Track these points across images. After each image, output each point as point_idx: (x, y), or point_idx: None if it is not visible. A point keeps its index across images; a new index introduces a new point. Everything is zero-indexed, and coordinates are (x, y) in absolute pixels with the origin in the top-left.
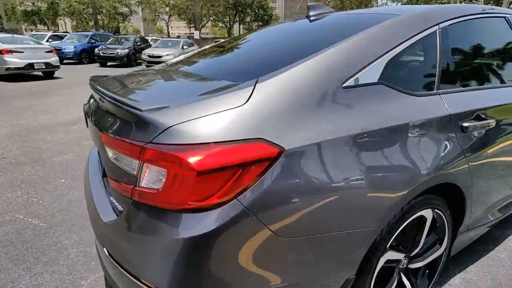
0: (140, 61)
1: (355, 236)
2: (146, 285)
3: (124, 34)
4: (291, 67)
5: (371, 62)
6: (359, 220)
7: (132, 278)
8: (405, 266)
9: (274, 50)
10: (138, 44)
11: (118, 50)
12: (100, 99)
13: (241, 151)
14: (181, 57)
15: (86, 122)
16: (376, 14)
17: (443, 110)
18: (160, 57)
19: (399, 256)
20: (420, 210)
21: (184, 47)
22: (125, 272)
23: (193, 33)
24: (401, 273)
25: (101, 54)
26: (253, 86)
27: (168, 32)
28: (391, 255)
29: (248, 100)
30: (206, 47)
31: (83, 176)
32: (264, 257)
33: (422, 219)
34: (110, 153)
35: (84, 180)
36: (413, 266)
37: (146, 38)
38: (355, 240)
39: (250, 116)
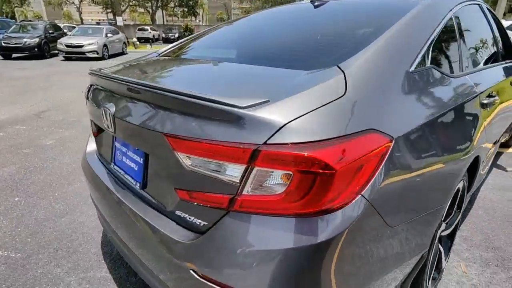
0: (57, 51)
1: (436, 213)
2: None
3: (30, 20)
4: (364, 53)
5: (423, 46)
6: (441, 197)
7: None
8: (440, 234)
9: (317, 34)
10: (50, 32)
11: (26, 40)
12: (158, 95)
13: (361, 144)
14: (180, 45)
15: (96, 126)
16: None
17: (474, 90)
18: (81, 46)
19: (443, 226)
20: (460, 181)
21: (108, 35)
22: None
23: (112, 20)
24: (439, 242)
25: (3, 44)
26: (342, 75)
27: (81, 19)
28: (442, 226)
29: (346, 89)
30: (204, 32)
31: (39, 190)
32: (380, 248)
33: (458, 190)
34: (188, 161)
35: (99, 198)
36: (444, 233)
37: (59, 25)
38: (436, 216)
39: (355, 106)
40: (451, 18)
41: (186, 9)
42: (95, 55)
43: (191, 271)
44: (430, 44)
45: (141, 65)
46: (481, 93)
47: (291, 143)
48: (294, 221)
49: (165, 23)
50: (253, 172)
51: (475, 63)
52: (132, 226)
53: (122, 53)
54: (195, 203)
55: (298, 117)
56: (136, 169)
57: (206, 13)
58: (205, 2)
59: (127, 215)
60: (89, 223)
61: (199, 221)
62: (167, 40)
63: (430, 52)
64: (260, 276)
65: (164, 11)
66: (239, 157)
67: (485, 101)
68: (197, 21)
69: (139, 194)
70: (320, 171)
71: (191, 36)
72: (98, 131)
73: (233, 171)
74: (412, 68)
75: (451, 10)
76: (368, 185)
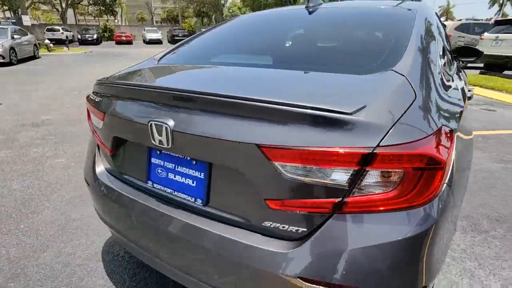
0: None
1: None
2: None
3: None
4: (407, 58)
5: (438, 49)
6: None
7: None
8: None
9: (342, 39)
10: None
11: None
12: (248, 105)
13: (445, 138)
14: (186, 50)
15: (115, 143)
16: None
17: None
18: None
19: None
20: None
21: (15, 36)
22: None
23: (10, 18)
24: None
25: None
26: (404, 78)
27: None
28: None
29: (414, 92)
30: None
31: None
32: (450, 223)
33: None
34: (286, 170)
35: (128, 221)
36: None
37: None
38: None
39: (427, 106)
40: (436, 25)
41: (102, 8)
42: (0, 60)
43: (298, 279)
44: (438, 47)
45: (177, 73)
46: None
47: (402, 144)
48: (406, 214)
49: (77, 23)
50: (365, 174)
51: (449, 60)
52: (195, 247)
53: (34, 57)
54: (290, 212)
55: (398, 120)
56: (194, 185)
57: (125, 12)
58: (123, 1)
59: (185, 236)
60: (81, 253)
61: (295, 228)
62: (84, 42)
63: (440, 54)
64: (388, 262)
65: (75, 9)
66: (349, 161)
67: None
68: (116, 21)
69: (200, 212)
70: (431, 166)
71: (189, 40)
72: (117, 148)
73: (340, 175)
74: (439, 69)
75: (432, 16)
76: (449, 173)
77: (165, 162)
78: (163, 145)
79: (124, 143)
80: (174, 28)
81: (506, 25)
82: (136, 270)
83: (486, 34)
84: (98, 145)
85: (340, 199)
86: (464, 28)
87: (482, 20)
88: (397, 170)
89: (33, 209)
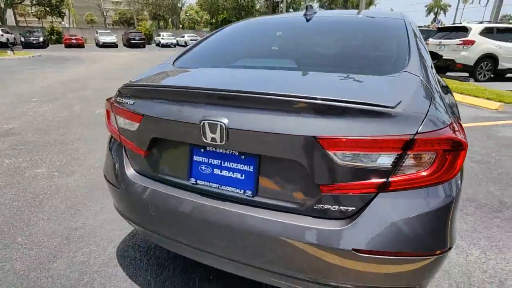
0: None
1: None
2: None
3: None
4: (413, 61)
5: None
6: None
7: (404, 257)
8: None
9: (353, 45)
10: None
11: None
12: (305, 103)
13: (458, 127)
14: (202, 54)
15: (149, 144)
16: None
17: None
18: None
19: None
20: None
21: None
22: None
23: None
24: None
25: None
26: (419, 78)
27: None
28: None
29: (431, 91)
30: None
31: None
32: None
33: None
34: (339, 157)
35: (170, 219)
36: None
37: None
38: None
39: (442, 100)
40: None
41: (47, 9)
42: None
43: (352, 251)
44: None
45: (212, 76)
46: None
47: (434, 131)
48: (437, 188)
49: (17, 24)
50: (406, 157)
51: None
52: (248, 234)
53: None
54: (339, 194)
55: (427, 112)
56: (243, 177)
57: (73, 14)
58: (70, 2)
59: (237, 225)
60: (95, 260)
61: (345, 208)
62: (29, 45)
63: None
64: (424, 228)
65: (14, 9)
66: (393, 147)
67: None
68: (63, 23)
69: (250, 202)
70: (456, 148)
71: (197, 44)
72: (152, 149)
73: (386, 159)
74: (434, 70)
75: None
76: None
77: (210, 159)
78: (215, 142)
79: (161, 143)
80: (130, 31)
81: (446, 32)
82: (159, 271)
83: (430, 40)
84: (124, 147)
85: (385, 179)
86: None
87: (422, 26)
88: (431, 152)
89: (26, 222)
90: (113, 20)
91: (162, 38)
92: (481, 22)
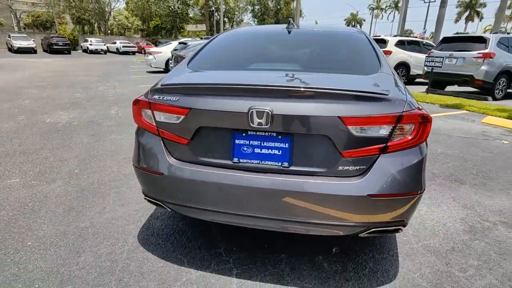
0: None
1: None
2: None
3: None
4: (383, 64)
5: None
6: None
7: (405, 196)
8: None
9: (322, 53)
10: None
11: None
12: (329, 93)
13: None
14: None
15: (192, 133)
16: (350, 32)
17: None
18: None
19: None
20: None
21: None
22: (398, 196)
23: None
24: None
25: None
26: (393, 77)
27: None
28: None
29: (404, 85)
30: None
31: None
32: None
33: None
34: (355, 130)
35: (223, 194)
36: None
37: None
38: None
39: (409, 92)
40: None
41: None
42: None
43: (367, 196)
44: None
45: (247, 75)
46: None
47: (413, 109)
48: (419, 147)
49: None
50: (397, 128)
51: None
52: (288, 195)
53: None
54: (355, 157)
55: (406, 98)
56: (280, 153)
57: None
58: None
59: (279, 189)
60: (121, 250)
61: (358, 167)
62: None
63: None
64: (409, 176)
65: None
66: (389, 121)
67: None
68: None
69: (287, 171)
70: (426, 121)
71: (202, 49)
72: (193, 137)
73: (385, 130)
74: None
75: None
76: None
77: (251, 141)
78: (261, 125)
79: (204, 132)
80: (52, 35)
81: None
82: (186, 250)
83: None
84: (163, 139)
85: (384, 144)
86: None
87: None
88: (411, 124)
89: (27, 227)
90: (25, 23)
91: (91, 44)
92: (396, 36)
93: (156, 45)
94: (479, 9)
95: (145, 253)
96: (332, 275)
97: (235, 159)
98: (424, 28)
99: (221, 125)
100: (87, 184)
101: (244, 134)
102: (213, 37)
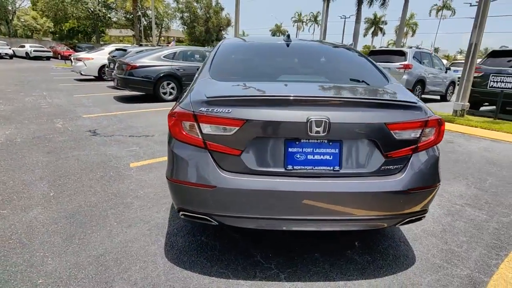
0: None
1: None
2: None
3: None
4: (390, 76)
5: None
6: None
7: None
8: None
9: (337, 65)
10: None
11: None
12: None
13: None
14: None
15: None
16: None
17: None
18: None
19: None
20: None
21: None
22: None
23: None
24: None
25: None
26: (403, 86)
27: None
28: None
29: (413, 94)
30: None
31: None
32: None
33: None
34: (395, 134)
35: (279, 200)
36: None
37: None
38: None
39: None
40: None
41: None
42: None
43: (408, 190)
44: None
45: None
46: None
47: (433, 115)
48: (436, 146)
49: None
50: (424, 131)
51: None
52: (341, 196)
53: None
54: (394, 158)
55: (424, 105)
56: (331, 158)
57: None
58: None
59: (328, 193)
60: (156, 272)
61: (396, 166)
62: None
63: None
64: (433, 170)
65: None
66: (420, 125)
67: None
68: None
69: (338, 175)
70: (442, 124)
71: (220, 62)
72: (245, 148)
73: (416, 133)
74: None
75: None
76: None
77: (304, 149)
78: (319, 134)
79: (257, 142)
80: None
81: None
82: (224, 263)
83: None
84: (210, 151)
85: (416, 145)
86: None
87: None
88: (433, 127)
89: (27, 264)
90: None
91: None
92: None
93: (75, 50)
94: (381, 26)
95: (183, 272)
96: (366, 265)
97: (289, 167)
98: (351, 42)
99: (275, 135)
100: (74, 208)
101: (297, 142)
102: (218, 46)
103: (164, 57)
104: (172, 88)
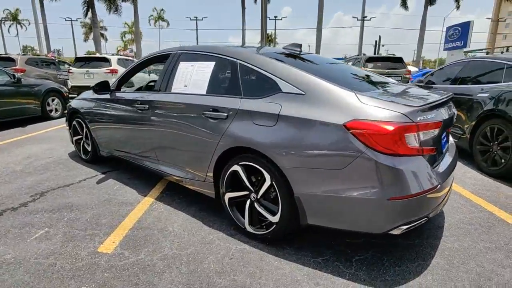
0: None
1: None
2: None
3: None
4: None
5: None
6: None
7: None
8: None
9: (345, 74)
10: None
11: None
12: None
13: None
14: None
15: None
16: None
17: None
18: None
19: None
20: None
21: None
22: None
23: None
24: None
25: None
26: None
27: None
28: None
29: None
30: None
31: None
32: None
33: None
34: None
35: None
36: None
37: None
38: None
39: None
40: None
41: None
42: None
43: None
44: None
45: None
46: None
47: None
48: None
49: None
50: (435, 132)
51: None
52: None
53: None
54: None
55: None
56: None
57: None
58: None
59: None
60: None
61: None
62: None
63: None
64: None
65: None
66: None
67: None
68: None
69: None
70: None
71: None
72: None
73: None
74: None
75: None
76: None
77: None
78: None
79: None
80: None
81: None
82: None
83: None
84: (424, 156)
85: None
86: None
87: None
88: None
89: None
90: None
91: None
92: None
93: None
94: (102, 32)
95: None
96: (393, 264)
97: (444, 149)
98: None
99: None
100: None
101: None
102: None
103: None
104: None
